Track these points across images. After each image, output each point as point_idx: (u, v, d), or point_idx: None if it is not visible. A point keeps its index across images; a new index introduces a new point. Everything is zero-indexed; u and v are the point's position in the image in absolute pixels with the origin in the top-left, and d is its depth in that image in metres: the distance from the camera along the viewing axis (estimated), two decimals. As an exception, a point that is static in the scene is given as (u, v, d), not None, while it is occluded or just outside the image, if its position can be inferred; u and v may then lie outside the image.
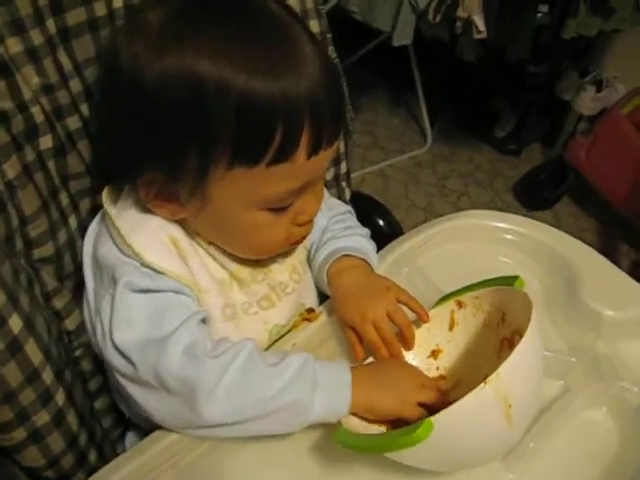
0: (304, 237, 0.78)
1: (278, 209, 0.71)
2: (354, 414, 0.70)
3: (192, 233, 0.75)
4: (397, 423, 0.70)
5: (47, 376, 0.68)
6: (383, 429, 0.71)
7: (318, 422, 0.69)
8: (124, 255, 0.70)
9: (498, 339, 0.75)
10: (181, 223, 0.74)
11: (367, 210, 1.08)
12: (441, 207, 2.36)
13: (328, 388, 0.68)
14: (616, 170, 2.19)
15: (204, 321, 0.72)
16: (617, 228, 2.25)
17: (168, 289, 0.70)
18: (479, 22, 1.87)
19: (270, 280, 0.82)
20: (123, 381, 0.68)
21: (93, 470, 0.71)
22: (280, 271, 0.84)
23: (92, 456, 0.76)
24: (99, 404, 0.84)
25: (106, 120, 0.72)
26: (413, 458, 0.66)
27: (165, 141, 0.66)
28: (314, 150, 0.66)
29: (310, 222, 0.76)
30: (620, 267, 0.92)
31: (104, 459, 0.77)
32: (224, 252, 0.77)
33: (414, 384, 0.72)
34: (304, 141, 0.64)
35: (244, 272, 0.80)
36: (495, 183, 2.49)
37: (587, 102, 2.39)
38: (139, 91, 0.64)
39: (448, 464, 0.69)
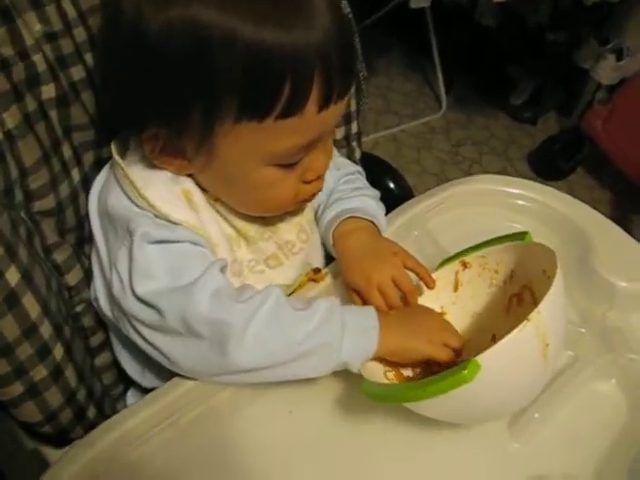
0: (313, 195, 0.77)
1: (286, 165, 0.69)
2: (378, 360, 0.71)
3: (200, 188, 0.74)
4: (420, 373, 0.73)
5: (45, 330, 0.66)
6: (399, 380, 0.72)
7: (345, 366, 0.69)
8: (137, 207, 0.70)
9: (506, 297, 0.74)
10: (190, 177, 0.73)
11: (378, 172, 1.06)
12: (453, 174, 2.32)
13: (356, 331, 0.68)
14: (633, 141, 2.15)
15: (223, 270, 0.71)
16: (631, 200, 2.21)
17: (185, 240, 0.70)
18: (500, -15, 1.82)
19: (277, 239, 0.81)
20: (147, 332, 0.68)
21: (92, 426, 0.70)
22: (287, 230, 0.82)
23: (91, 412, 0.75)
24: (100, 361, 0.83)
25: (109, 71, 0.70)
26: (444, 407, 0.64)
27: (169, 94, 0.64)
28: (325, 103, 0.64)
29: (319, 179, 0.74)
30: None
31: (104, 415, 0.76)
32: (231, 209, 0.76)
33: (439, 325, 0.74)
34: (314, 94, 0.62)
35: (251, 229, 0.78)
36: (509, 151, 2.45)
37: (606, 71, 2.32)
38: (142, 41, 0.62)
39: (477, 414, 0.68)
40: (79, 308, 0.78)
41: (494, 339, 0.72)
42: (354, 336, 0.68)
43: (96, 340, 0.82)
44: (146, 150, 0.70)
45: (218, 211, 0.76)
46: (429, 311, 0.77)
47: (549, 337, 0.60)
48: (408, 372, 0.75)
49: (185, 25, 0.59)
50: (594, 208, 0.92)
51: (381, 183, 1.05)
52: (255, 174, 0.69)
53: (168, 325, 0.65)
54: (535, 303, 0.65)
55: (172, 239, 0.69)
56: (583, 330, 0.79)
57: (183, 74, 0.62)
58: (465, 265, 0.78)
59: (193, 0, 0.59)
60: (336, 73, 0.63)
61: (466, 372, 0.57)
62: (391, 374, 0.73)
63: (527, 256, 0.70)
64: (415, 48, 2.66)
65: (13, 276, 0.62)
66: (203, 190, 0.74)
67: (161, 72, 0.62)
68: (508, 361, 0.60)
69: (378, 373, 0.71)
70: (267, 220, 0.80)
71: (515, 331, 0.58)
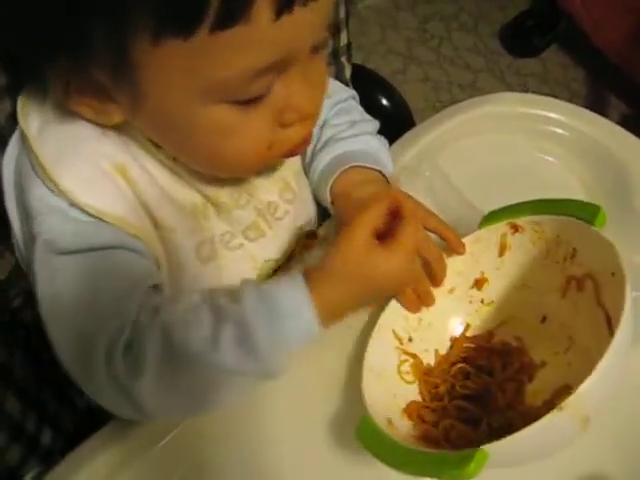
0: (298, 147, 0.58)
1: (244, 102, 0.50)
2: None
3: (147, 146, 0.57)
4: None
5: None
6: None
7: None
8: (48, 192, 0.53)
9: (564, 275, 0.61)
10: (126, 134, 0.56)
11: (367, 86, 0.88)
12: (421, 53, 2.17)
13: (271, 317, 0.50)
14: (614, 16, 2.02)
15: (156, 286, 0.55)
16: (607, 80, 2.11)
17: (102, 245, 0.53)
18: None
19: (257, 202, 0.65)
20: None
21: (49, 449, 0.56)
22: (268, 189, 0.66)
23: (45, 437, 0.61)
24: (50, 355, 0.67)
25: None
26: None
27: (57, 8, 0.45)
28: (285, 4, 0.44)
29: (305, 122, 0.55)
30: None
31: (62, 432, 0.62)
32: (194, 171, 0.59)
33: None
34: None
35: (222, 194, 0.62)
36: (480, 27, 2.29)
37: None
38: None
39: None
40: (17, 302, 0.62)
41: (544, 321, 0.62)
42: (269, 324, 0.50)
43: (41, 335, 0.65)
44: (57, 92, 0.52)
45: (177, 173, 0.59)
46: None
47: (591, 414, 0.48)
48: (430, 358, 0.63)
49: None
50: (568, 86, 0.79)
51: (372, 99, 0.87)
52: (202, 117, 0.50)
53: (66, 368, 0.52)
54: (598, 301, 0.56)
55: (83, 247, 0.52)
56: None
57: None
58: (516, 228, 0.63)
59: None
60: None
61: (471, 467, 0.45)
62: (407, 366, 0.61)
63: (595, 244, 0.56)
64: None
65: None
66: (157, 150, 0.57)
67: None
68: (529, 446, 0.47)
69: (390, 370, 0.60)
70: (241, 180, 0.63)
71: (541, 422, 0.45)
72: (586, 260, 0.59)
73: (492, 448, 0.45)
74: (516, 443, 0.45)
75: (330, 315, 0.52)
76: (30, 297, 0.61)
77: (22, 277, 0.60)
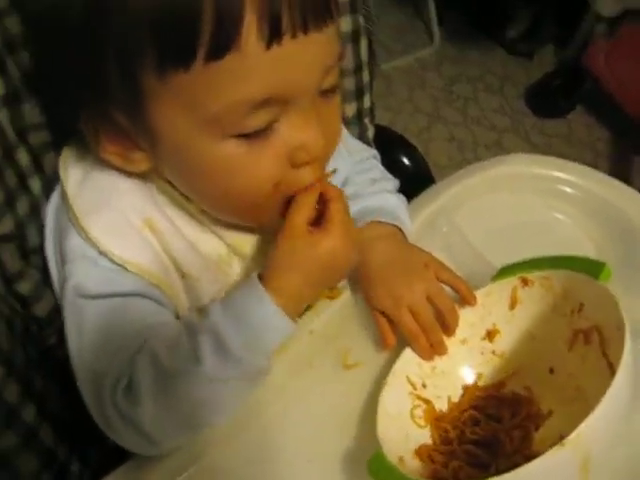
0: (309, 189, 0.59)
1: (250, 135, 0.53)
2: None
3: (178, 200, 0.62)
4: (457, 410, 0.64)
5: (10, 393, 0.56)
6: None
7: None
8: (82, 240, 0.58)
9: (570, 329, 0.63)
10: (158, 189, 0.61)
11: (388, 145, 0.93)
12: (447, 113, 2.22)
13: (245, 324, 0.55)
14: (638, 77, 2.06)
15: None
16: (632, 140, 2.11)
17: (126, 292, 0.57)
18: None
19: None
20: None
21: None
22: None
23: (74, 466, 0.64)
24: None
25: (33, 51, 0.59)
26: None
27: (82, 56, 0.51)
28: (272, 34, 0.48)
29: (315, 165, 0.57)
30: (633, 182, 0.78)
31: (89, 465, 0.65)
32: (219, 220, 0.63)
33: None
34: (250, 19, 0.47)
35: (246, 243, 0.66)
36: (505, 88, 2.34)
37: (607, 2, 2.19)
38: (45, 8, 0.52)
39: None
40: (52, 340, 0.66)
41: (552, 372, 0.64)
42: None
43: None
44: (91, 142, 0.57)
45: (203, 223, 0.63)
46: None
47: (592, 454, 0.49)
48: (442, 404, 0.65)
49: None
50: (593, 148, 0.81)
51: (393, 158, 0.91)
52: (211, 152, 0.54)
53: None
54: (604, 353, 0.58)
55: (107, 293, 0.57)
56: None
57: (86, 31, 0.50)
58: (526, 282, 0.66)
59: None
60: None
61: None
62: (419, 410, 0.64)
63: (600, 299, 0.58)
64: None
65: None
66: (186, 201, 0.62)
67: (61, 36, 0.51)
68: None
69: (404, 413, 0.62)
70: (263, 231, 0.66)
71: (543, 457, 0.47)
72: (592, 314, 0.61)
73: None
74: (520, 478, 0.47)
75: (292, 303, 0.57)
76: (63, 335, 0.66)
77: (59, 316, 0.65)
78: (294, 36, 0.49)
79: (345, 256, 0.59)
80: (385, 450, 0.56)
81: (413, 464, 0.58)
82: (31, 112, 0.61)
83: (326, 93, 0.56)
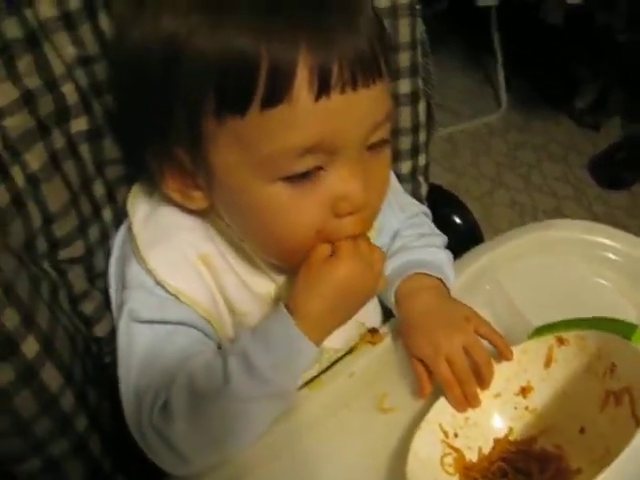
0: (348, 240, 0.61)
1: (296, 180, 0.57)
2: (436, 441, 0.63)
3: (233, 240, 0.66)
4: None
5: (66, 402, 0.59)
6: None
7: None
8: (141, 270, 0.63)
9: (603, 389, 0.64)
10: (215, 228, 0.66)
11: (442, 204, 0.96)
12: (510, 178, 2.23)
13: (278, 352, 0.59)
14: None
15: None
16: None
17: (176, 320, 0.62)
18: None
19: None
20: None
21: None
22: None
23: (119, 480, 0.68)
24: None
25: (116, 94, 0.65)
26: None
27: (152, 102, 0.58)
28: (322, 88, 0.53)
29: (357, 214, 0.60)
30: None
31: (131, 480, 0.69)
32: (271, 262, 0.67)
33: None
34: (302, 74, 0.52)
35: (294, 285, 0.69)
36: (570, 157, 2.34)
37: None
38: (126, 56, 0.59)
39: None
40: (108, 359, 0.71)
41: (582, 432, 0.64)
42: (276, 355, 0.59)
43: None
44: (156, 177, 0.63)
45: (255, 264, 0.67)
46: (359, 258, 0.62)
47: None
48: (472, 455, 0.66)
49: (156, 33, 0.55)
50: None
51: (445, 217, 0.94)
52: (259, 193, 0.58)
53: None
54: (634, 415, 0.58)
55: (158, 319, 0.61)
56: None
57: (158, 80, 0.56)
58: (562, 342, 0.67)
59: (164, 10, 0.55)
60: (335, 52, 0.53)
61: None
62: (450, 458, 0.65)
63: (631, 360, 0.60)
64: (476, 43, 2.54)
65: (31, 347, 0.54)
66: (240, 240, 0.66)
67: (143, 82, 0.58)
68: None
69: (434, 460, 0.64)
70: None
71: None
72: (624, 375, 0.62)
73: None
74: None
75: (316, 328, 0.60)
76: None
77: (114, 338, 0.70)
78: (343, 91, 0.54)
79: (362, 282, 0.62)
80: None
81: None
82: (110, 147, 0.67)
83: (375, 147, 0.60)
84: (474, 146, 2.33)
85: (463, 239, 0.91)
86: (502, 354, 0.68)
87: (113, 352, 0.70)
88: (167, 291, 0.62)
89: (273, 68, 0.52)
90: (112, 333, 0.69)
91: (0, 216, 0.55)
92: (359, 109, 0.56)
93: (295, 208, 0.58)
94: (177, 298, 0.62)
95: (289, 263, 0.64)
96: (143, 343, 0.61)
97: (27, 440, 0.57)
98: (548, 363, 0.68)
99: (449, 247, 0.81)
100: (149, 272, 0.62)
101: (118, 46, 0.61)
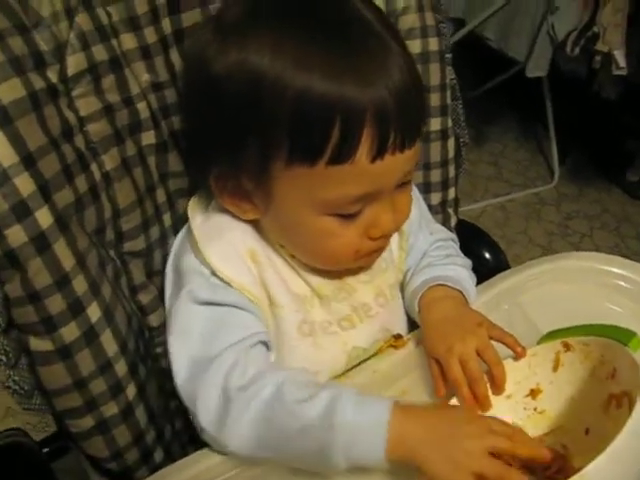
0: (374, 253, 0.75)
1: (345, 216, 0.68)
2: None
3: (275, 245, 0.75)
4: None
5: (120, 368, 0.68)
6: None
7: (347, 466, 0.62)
8: (198, 262, 0.71)
9: (606, 393, 0.69)
10: (261, 232, 0.74)
11: (475, 241, 1.03)
12: (561, 247, 2.24)
13: (356, 431, 0.61)
14: None
15: (265, 343, 0.71)
16: None
17: (229, 303, 0.70)
18: (620, 57, 1.77)
19: (353, 301, 0.79)
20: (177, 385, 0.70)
21: (157, 468, 0.71)
22: (365, 292, 0.80)
23: (158, 455, 0.75)
24: (174, 404, 0.83)
25: (188, 116, 0.75)
26: None
27: (228, 134, 0.66)
28: (378, 153, 0.63)
29: (384, 238, 0.72)
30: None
31: (171, 459, 0.76)
32: (307, 266, 0.76)
33: (478, 446, 0.60)
34: (365, 143, 0.62)
35: (327, 288, 0.77)
36: (622, 228, 2.35)
37: None
38: (206, 84, 0.66)
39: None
40: (159, 349, 0.80)
41: (587, 433, 0.69)
42: (352, 435, 0.61)
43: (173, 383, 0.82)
44: (215, 192, 0.72)
45: (293, 267, 0.75)
46: (475, 421, 0.66)
47: None
48: None
49: (241, 68, 0.63)
50: None
51: (477, 252, 1.01)
52: (312, 222, 0.68)
53: (179, 387, 0.69)
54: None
55: (215, 301, 0.69)
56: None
57: (238, 114, 0.64)
58: (568, 347, 0.73)
59: (249, 46, 0.62)
60: (392, 125, 0.62)
61: None
62: None
63: (630, 366, 0.65)
64: (530, 116, 2.62)
65: (94, 312, 0.64)
66: (280, 246, 0.75)
67: (221, 112, 0.65)
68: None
69: None
70: (344, 280, 0.78)
71: None
72: (623, 379, 0.66)
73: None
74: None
75: (399, 445, 0.60)
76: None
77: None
78: (393, 154, 0.64)
79: (471, 445, 0.60)
80: None
81: None
82: (174, 161, 0.77)
83: (402, 184, 0.71)
84: (526, 214, 2.37)
85: (492, 274, 0.96)
86: (514, 351, 0.73)
87: (163, 344, 0.79)
88: (221, 279, 0.70)
89: (343, 134, 0.61)
90: (164, 325, 0.78)
91: (79, 200, 0.65)
92: (401, 164, 0.67)
93: (341, 235, 0.69)
94: (229, 285, 0.70)
95: (330, 269, 0.76)
96: (201, 321, 0.69)
97: (84, 396, 0.66)
98: (556, 367, 0.73)
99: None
100: (205, 263, 0.70)
101: (195, 72, 0.69)
